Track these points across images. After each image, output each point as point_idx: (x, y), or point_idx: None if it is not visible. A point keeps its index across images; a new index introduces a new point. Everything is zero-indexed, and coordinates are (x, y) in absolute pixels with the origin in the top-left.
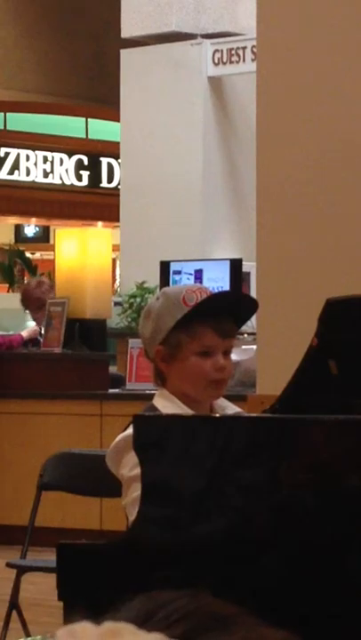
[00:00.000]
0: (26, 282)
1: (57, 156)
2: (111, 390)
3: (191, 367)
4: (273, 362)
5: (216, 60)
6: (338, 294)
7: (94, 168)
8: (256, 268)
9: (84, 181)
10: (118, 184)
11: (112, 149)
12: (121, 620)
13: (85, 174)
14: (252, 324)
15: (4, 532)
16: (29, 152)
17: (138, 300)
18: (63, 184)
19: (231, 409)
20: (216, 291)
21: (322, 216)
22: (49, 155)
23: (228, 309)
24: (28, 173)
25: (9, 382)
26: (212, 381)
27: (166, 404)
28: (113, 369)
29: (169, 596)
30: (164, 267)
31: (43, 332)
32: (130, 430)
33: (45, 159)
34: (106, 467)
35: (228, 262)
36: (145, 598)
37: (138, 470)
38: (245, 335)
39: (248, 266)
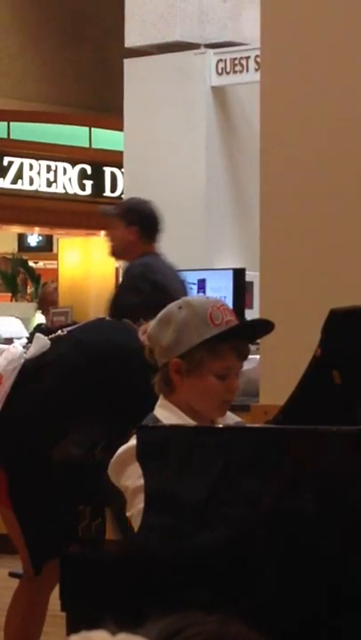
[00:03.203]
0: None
1: (60, 165)
2: None
3: (208, 387)
4: (276, 372)
5: (219, 70)
6: (341, 304)
7: (97, 177)
8: (259, 277)
9: (88, 190)
10: (121, 193)
11: (115, 159)
12: (145, 633)
13: (89, 183)
14: None
15: (7, 541)
16: (33, 161)
17: None
18: (66, 193)
19: (231, 419)
20: (222, 300)
21: (325, 226)
22: (52, 164)
23: (247, 332)
24: (31, 182)
25: None
26: (222, 401)
27: (168, 416)
28: None
29: (200, 619)
30: None
31: None
32: (132, 442)
33: (49, 168)
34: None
35: (231, 272)
36: (178, 616)
37: (143, 481)
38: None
39: (251, 275)
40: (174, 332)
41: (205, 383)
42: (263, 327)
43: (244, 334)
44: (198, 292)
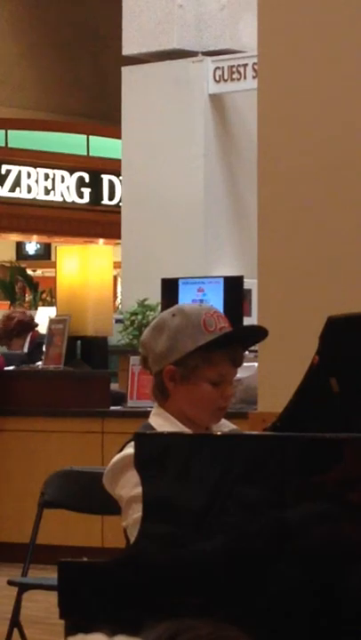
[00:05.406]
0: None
1: (58, 173)
2: (112, 408)
3: (202, 394)
4: (274, 379)
5: (217, 78)
6: (339, 312)
7: (95, 185)
8: (257, 285)
9: (86, 198)
10: (119, 201)
11: (113, 166)
12: (142, 637)
13: (87, 191)
14: None
15: (6, 549)
16: (31, 169)
17: (139, 317)
18: (64, 201)
19: (226, 426)
20: (221, 311)
21: (323, 233)
22: (50, 172)
23: (242, 338)
24: (29, 191)
25: (10, 399)
26: (217, 408)
27: (162, 423)
28: (114, 386)
29: (194, 624)
30: (172, 284)
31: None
32: (127, 451)
33: (47, 176)
34: None
35: (221, 280)
36: (172, 622)
37: (138, 490)
38: (247, 352)
39: (250, 283)
40: (168, 339)
41: (199, 390)
42: (257, 334)
43: (239, 341)
44: (196, 301)
